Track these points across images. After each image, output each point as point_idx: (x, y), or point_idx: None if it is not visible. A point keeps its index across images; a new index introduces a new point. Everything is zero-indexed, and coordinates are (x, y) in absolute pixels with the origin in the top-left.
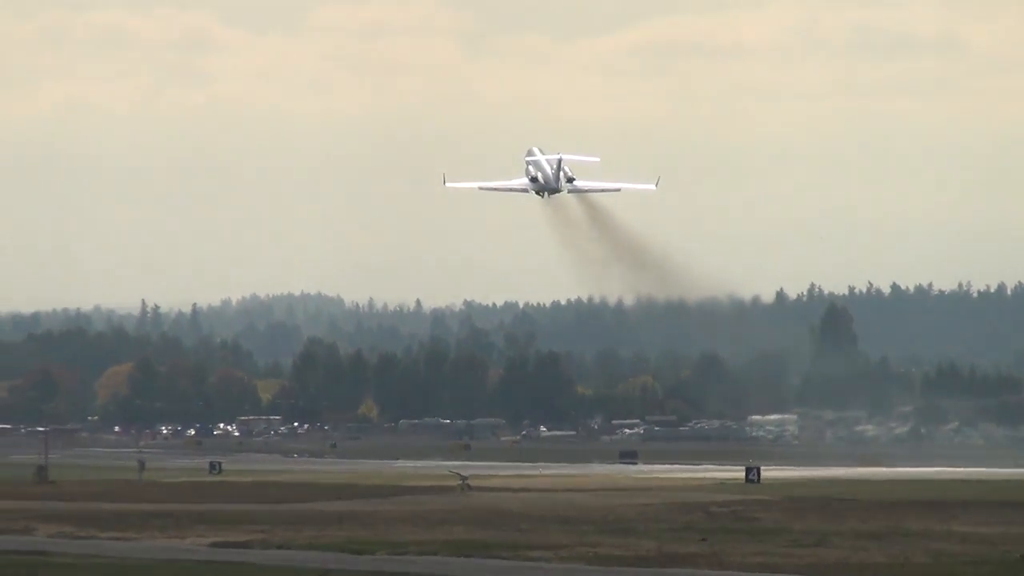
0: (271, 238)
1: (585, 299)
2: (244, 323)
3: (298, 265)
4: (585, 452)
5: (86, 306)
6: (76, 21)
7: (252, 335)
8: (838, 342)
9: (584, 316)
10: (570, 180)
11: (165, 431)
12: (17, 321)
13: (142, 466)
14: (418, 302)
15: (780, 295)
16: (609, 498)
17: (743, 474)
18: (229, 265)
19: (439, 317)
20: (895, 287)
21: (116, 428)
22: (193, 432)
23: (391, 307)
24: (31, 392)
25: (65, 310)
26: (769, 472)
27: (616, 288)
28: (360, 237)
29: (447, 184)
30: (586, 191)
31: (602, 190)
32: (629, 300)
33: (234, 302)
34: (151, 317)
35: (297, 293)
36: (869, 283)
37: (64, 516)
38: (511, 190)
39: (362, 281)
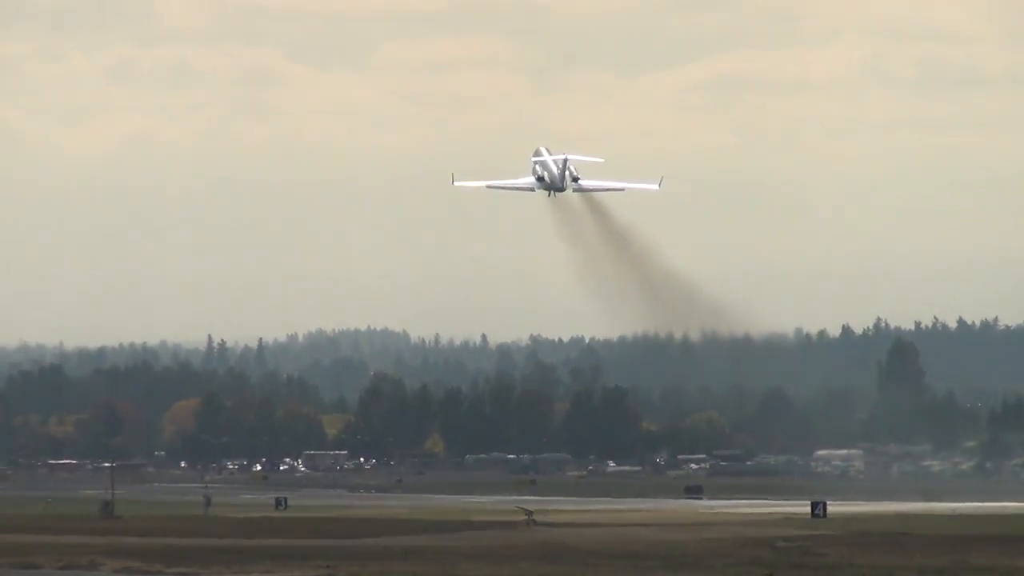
0: (337, 273)
1: (651, 334)
2: (310, 358)
3: (364, 300)
4: (651, 487)
5: (152, 341)
6: (143, 56)
7: (318, 370)
8: (904, 377)
9: (650, 351)
10: (575, 179)
11: (231, 466)
12: (83, 356)
13: (208, 501)
14: (484, 337)
15: (846, 330)
16: (675, 533)
17: (809, 509)
18: (295, 300)
19: (505, 352)
20: (961, 322)
21: (182, 463)
22: (259, 467)
23: (457, 342)
24: (97, 427)
25: (131, 345)
26: (835, 507)
27: (682, 323)
28: (426, 272)
29: (456, 183)
30: (591, 190)
31: (607, 189)
32: (695, 335)
33: (300, 337)
34: (217, 352)
35: (363, 328)
36: (935, 318)
37: (130, 551)
38: (518, 189)
39: (428, 316)
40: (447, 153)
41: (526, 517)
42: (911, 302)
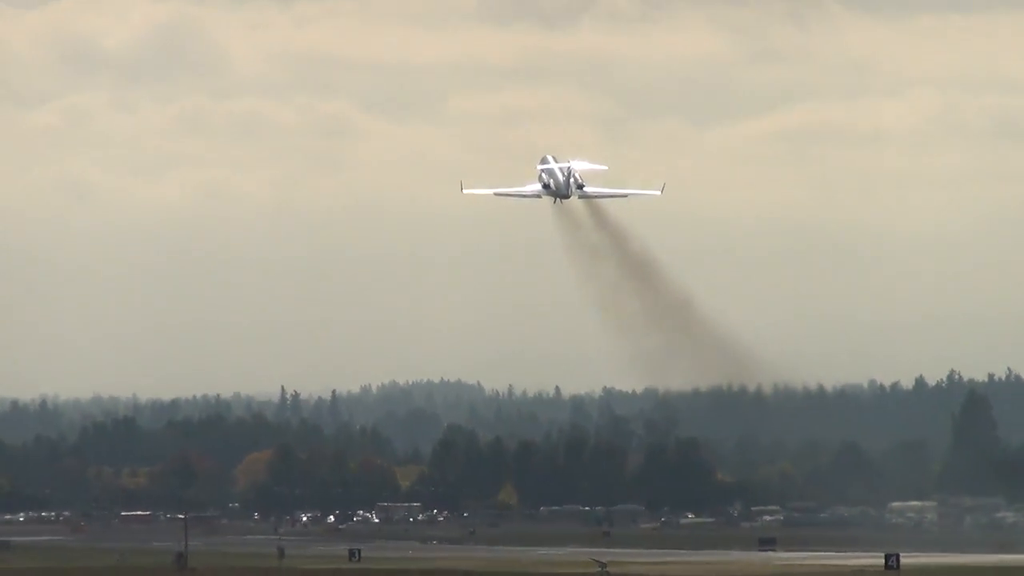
0: (410, 325)
1: (724, 386)
2: (384, 410)
3: (437, 352)
4: (724, 538)
5: (226, 393)
6: (215, 108)
7: (392, 422)
8: (977, 428)
9: (723, 402)
10: (580, 187)
11: (305, 518)
12: (157, 408)
13: (282, 553)
14: (557, 389)
15: (919, 381)
16: None
17: (882, 561)
18: (368, 352)
19: (578, 404)
20: None
21: (255, 515)
22: (333, 519)
23: (530, 394)
24: (171, 479)
25: (204, 397)
26: (908, 559)
27: (755, 375)
28: (499, 324)
29: (464, 191)
30: (595, 197)
31: (610, 195)
32: (768, 387)
33: (374, 389)
34: (291, 404)
35: (436, 380)
36: (1008, 370)
37: None
38: (524, 196)
39: (501, 368)
40: (519, 203)
41: (600, 569)
42: (984, 354)
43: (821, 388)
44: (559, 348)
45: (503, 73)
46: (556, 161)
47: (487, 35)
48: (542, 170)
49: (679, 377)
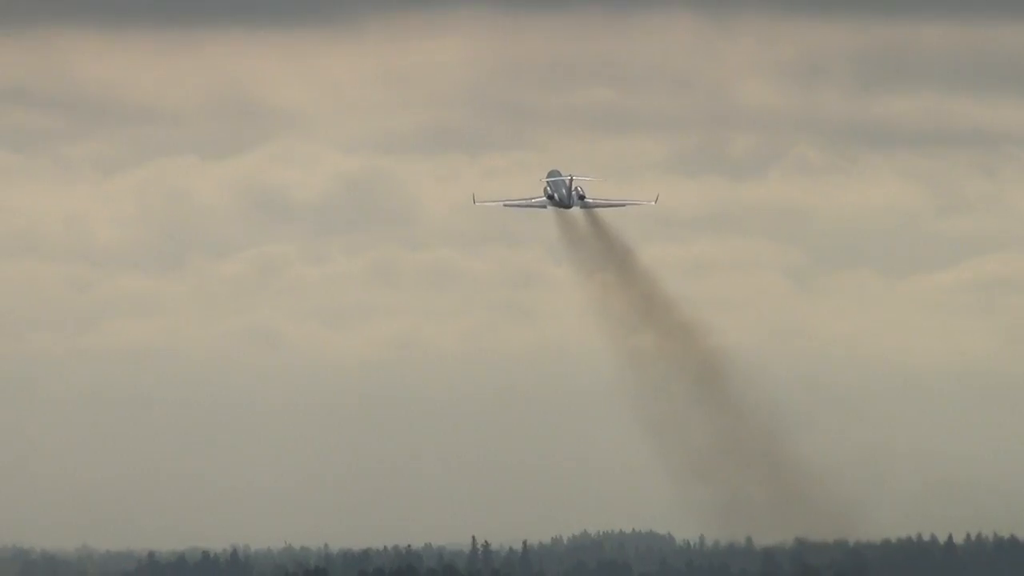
0: (600, 474)
1: (914, 536)
2: (575, 560)
3: (628, 503)
4: None
5: (416, 543)
6: (406, 259)
7: (583, 573)
8: None
9: (913, 553)
10: (581, 198)
11: None
12: (348, 558)
13: None
14: (748, 540)
15: None
16: None
17: None
18: (560, 501)
19: (769, 555)
20: None
21: None
22: None
23: (722, 544)
24: None
25: (396, 547)
26: None
27: (946, 524)
28: (689, 474)
29: (476, 203)
30: (594, 206)
31: (609, 205)
32: (959, 537)
33: (565, 540)
34: (482, 555)
35: (628, 531)
36: None
37: None
38: (531, 206)
39: (692, 518)
40: (712, 351)
41: None
42: None
43: (1014, 538)
44: (749, 498)
45: (692, 224)
46: (560, 174)
47: (676, 185)
48: (548, 182)
49: (869, 528)
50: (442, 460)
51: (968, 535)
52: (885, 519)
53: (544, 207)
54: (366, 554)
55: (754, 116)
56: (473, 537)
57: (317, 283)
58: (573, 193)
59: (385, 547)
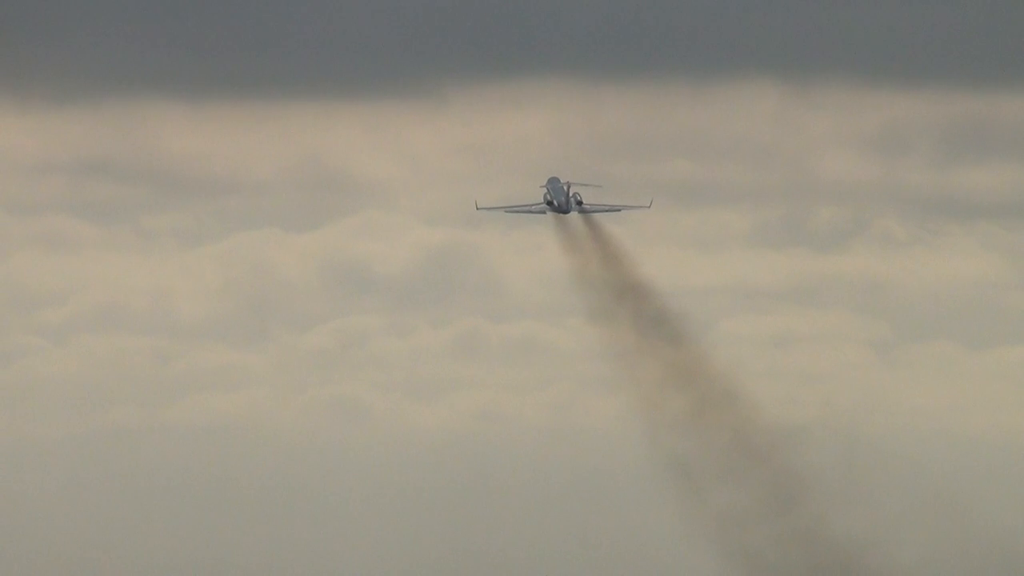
0: (695, 553)
1: None
2: None
3: None
4: None
5: None
6: (490, 331)
7: None
8: None
9: None
10: (579, 203)
11: None
12: None
13: None
14: None
15: None
16: None
17: None
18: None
19: None
20: None
21: None
22: None
23: None
24: None
25: None
26: None
27: None
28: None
29: (478, 208)
30: (591, 211)
31: (605, 210)
32: None
33: None
34: None
35: None
36: None
37: None
38: (531, 211)
39: None
40: (801, 426)
41: None
42: None
43: None
44: None
45: (774, 296)
46: (560, 181)
47: (758, 258)
48: (548, 188)
49: None
50: (527, 535)
51: None
52: None
53: (543, 212)
54: None
55: (837, 188)
56: None
57: (400, 356)
58: (571, 199)
59: None
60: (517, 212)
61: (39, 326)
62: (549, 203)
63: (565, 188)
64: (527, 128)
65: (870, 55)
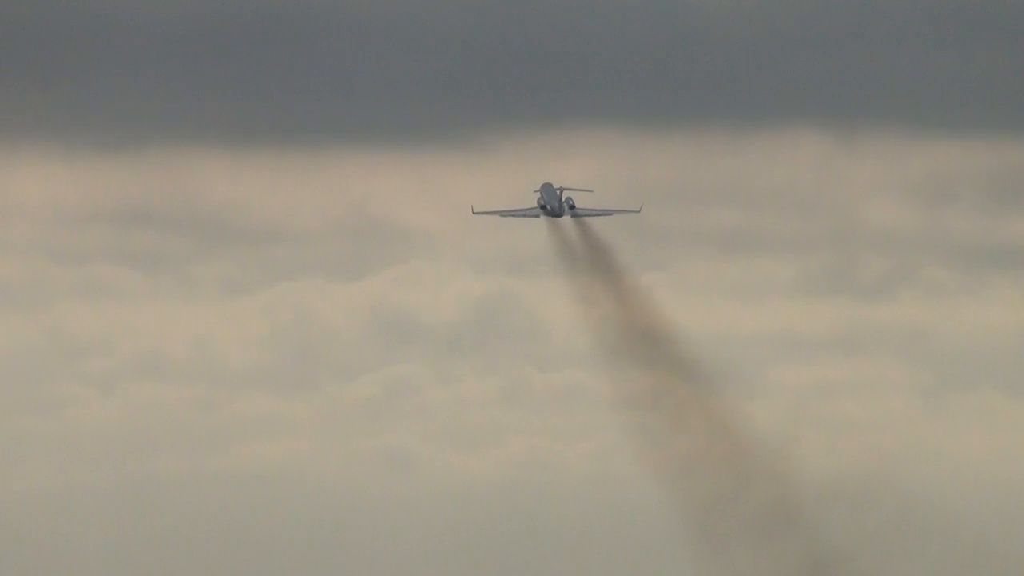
0: None
1: None
2: None
3: None
4: None
5: None
6: (536, 379)
7: None
8: None
9: None
10: (572, 207)
11: None
12: None
13: None
14: None
15: None
16: None
17: None
18: None
19: None
20: None
21: None
22: None
23: None
24: None
25: None
26: None
27: None
28: None
29: (474, 213)
30: (583, 215)
31: (596, 214)
32: None
33: None
34: None
35: None
36: None
37: None
38: (525, 215)
39: None
40: (835, 463)
41: None
42: None
43: None
44: None
45: (819, 345)
46: (553, 185)
47: (803, 307)
48: (542, 193)
49: None
50: None
51: None
52: None
53: (537, 216)
54: None
55: (881, 236)
56: None
57: (446, 404)
58: (564, 204)
59: None
60: (512, 216)
61: (84, 375)
62: (543, 207)
63: (558, 194)
64: (571, 177)
65: (915, 102)
